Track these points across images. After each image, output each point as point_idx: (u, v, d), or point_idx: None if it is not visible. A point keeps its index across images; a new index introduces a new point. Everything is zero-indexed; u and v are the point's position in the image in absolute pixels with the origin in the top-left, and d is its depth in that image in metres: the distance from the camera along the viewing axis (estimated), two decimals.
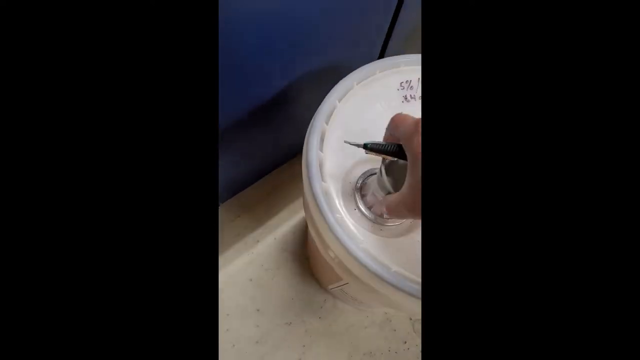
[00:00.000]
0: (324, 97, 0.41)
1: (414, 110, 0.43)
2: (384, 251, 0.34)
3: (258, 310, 0.77)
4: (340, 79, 0.43)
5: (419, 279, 0.32)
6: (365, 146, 0.31)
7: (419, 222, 0.36)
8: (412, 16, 0.56)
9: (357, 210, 0.37)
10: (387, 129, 0.31)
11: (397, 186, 0.32)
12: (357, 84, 0.43)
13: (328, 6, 0.41)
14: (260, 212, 0.84)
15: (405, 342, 0.78)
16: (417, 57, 0.45)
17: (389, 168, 0.32)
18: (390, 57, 0.45)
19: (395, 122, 0.30)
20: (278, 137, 0.60)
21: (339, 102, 0.41)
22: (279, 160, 0.76)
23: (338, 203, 0.36)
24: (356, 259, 0.32)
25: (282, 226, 0.84)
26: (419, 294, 0.31)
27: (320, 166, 0.37)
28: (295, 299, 0.79)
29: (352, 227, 0.34)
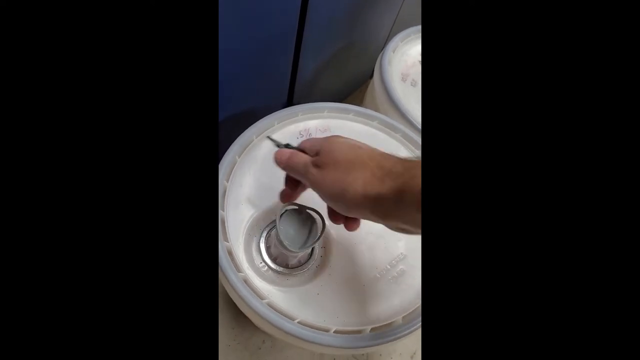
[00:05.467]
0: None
1: None
2: (289, 301, 0.35)
3: None
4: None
5: (323, 325, 0.34)
6: (288, 146, 0.33)
7: (322, 269, 0.38)
8: (310, 64, 0.60)
9: (262, 264, 0.38)
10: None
11: (294, 237, 0.34)
12: (256, 137, 0.45)
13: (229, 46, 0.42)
14: None
15: None
16: (312, 106, 0.49)
17: (284, 220, 0.34)
18: (288, 108, 0.48)
19: (284, 164, 0.31)
20: None
21: (239, 157, 0.43)
22: None
23: (242, 260, 0.37)
24: (258, 315, 0.33)
25: None
26: (323, 341, 0.32)
27: (223, 225, 0.37)
28: (232, 345, 0.77)
29: (257, 283, 0.36)
